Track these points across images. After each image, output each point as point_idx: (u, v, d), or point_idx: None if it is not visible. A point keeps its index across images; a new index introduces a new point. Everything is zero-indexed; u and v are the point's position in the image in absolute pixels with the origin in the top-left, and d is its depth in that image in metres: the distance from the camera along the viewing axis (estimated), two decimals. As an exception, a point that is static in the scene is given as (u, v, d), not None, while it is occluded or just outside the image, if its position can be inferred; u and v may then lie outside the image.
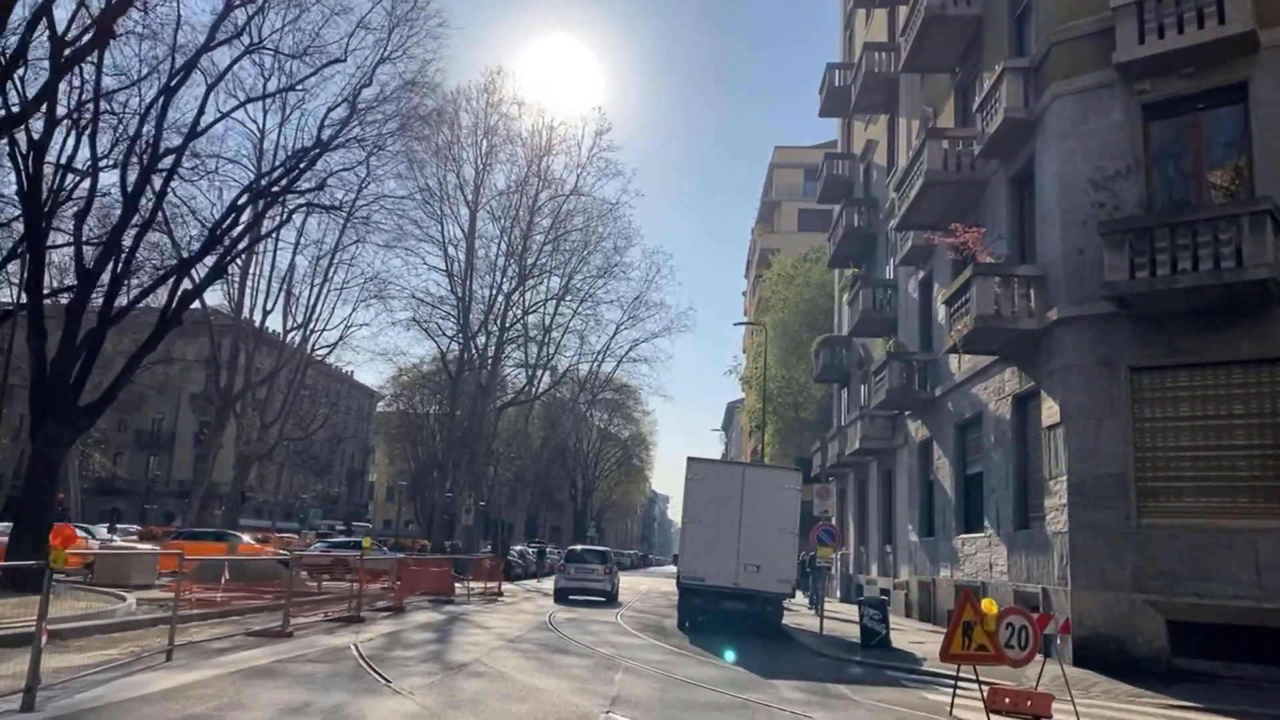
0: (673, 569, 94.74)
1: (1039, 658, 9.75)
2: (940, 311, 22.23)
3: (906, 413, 24.75)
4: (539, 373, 54.38)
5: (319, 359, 55.04)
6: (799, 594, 22.71)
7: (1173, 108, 14.71)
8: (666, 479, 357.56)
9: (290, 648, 12.15)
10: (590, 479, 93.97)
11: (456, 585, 25.91)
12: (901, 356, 22.61)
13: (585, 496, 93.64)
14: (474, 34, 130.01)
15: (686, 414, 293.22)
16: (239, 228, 21.46)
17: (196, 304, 36.76)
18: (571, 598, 26.45)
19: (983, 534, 18.51)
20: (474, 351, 45.76)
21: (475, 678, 10.45)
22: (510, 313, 49.20)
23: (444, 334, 46.82)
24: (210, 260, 21.93)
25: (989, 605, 9.52)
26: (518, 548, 47.48)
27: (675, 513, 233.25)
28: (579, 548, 30.87)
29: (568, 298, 52.43)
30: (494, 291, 47.01)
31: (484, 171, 47.07)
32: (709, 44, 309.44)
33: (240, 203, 21.84)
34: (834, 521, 19.27)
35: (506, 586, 31.21)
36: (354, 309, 66.62)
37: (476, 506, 46.21)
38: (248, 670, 10.03)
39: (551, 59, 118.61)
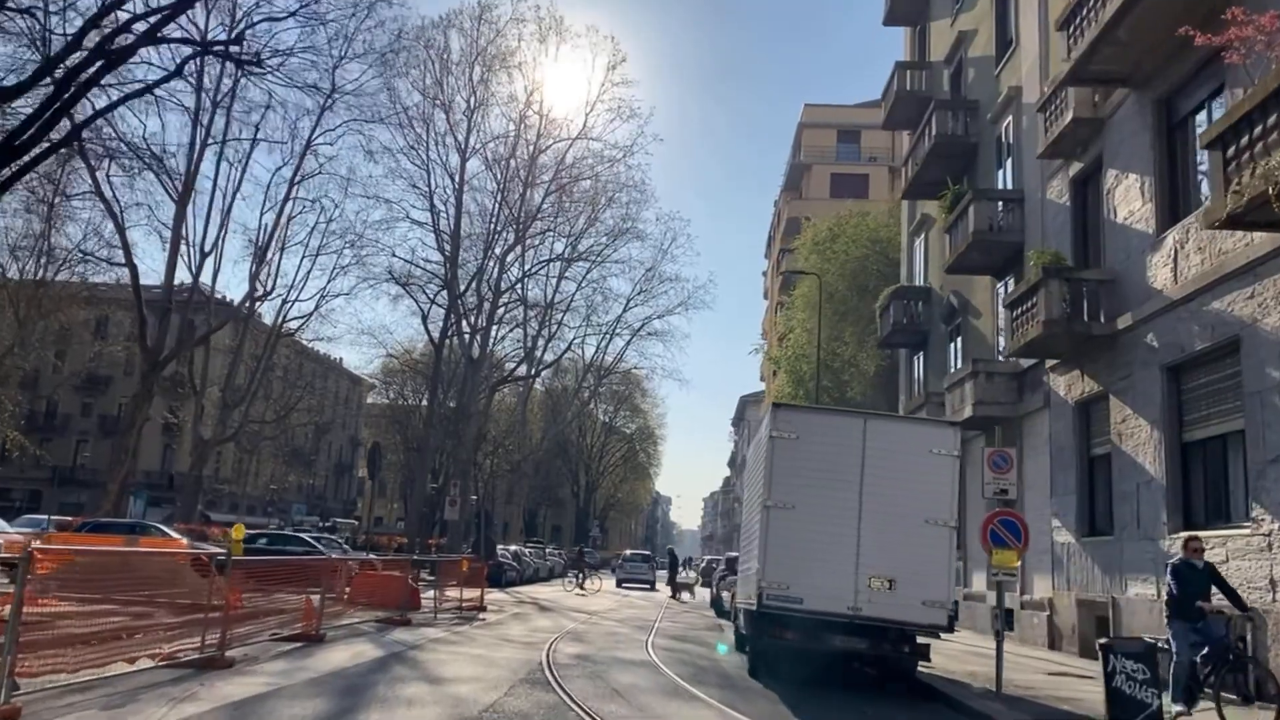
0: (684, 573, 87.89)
1: None
2: (1118, 210, 15.27)
3: (1049, 363, 17.75)
4: (540, 346, 47.45)
5: (290, 333, 48.34)
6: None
7: None
8: (670, 480, 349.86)
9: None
10: (594, 475, 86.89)
11: (427, 596, 19.07)
12: (1062, 273, 15.56)
13: (588, 493, 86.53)
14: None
15: (692, 414, 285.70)
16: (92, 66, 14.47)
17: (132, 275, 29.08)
18: (625, 585, 36.99)
19: (1241, 529, 11.51)
20: (461, 311, 38.66)
21: None
22: (505, 275, 42.28)
23: (427, 296, 39.84)
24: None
25: None
26: (513, 547, 40.38)
27: (677, 515, 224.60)
28: (629, 552, 45.64)
29: (574, 266, 45.53)
30: (486, 248, 39.99)
31: (477, 110, 40.10)
32: (720, 40, 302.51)
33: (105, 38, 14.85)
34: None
35: (494, 596, 24.23)
36: (330, 277, 59.75)
37: (464, 499, 39.20)
38: None
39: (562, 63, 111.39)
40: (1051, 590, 17.22)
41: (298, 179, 33.13)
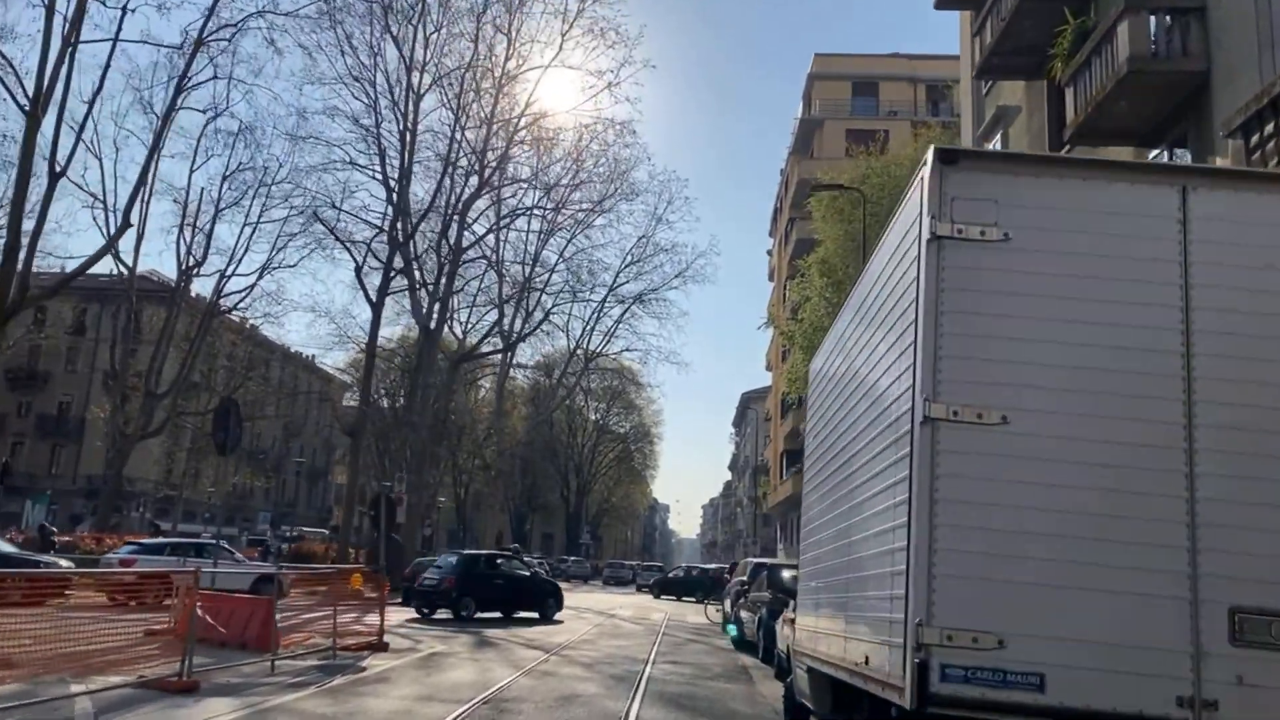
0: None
1: None
2: None
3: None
4: (517, 323, 40.47)
5: (227, 310, 41.39)
6: None
7: None
8: (668, 486, 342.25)
9: None
10: (586, 478, 79.68)
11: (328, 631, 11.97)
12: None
13: (579, 498, 79.24)
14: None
15: (690, 419, 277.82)
16: None
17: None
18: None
19: None
20: (412, 254, 31.56)
21: None
22: (469, 231, 35.30)
23: (366, 245, 32.76)
24: None
25: None
26: (467, 551, 32.90)
27: (675, 523, 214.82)
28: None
29: (555, 235, 38.73)
30: (436, 191, 32.95)
31: (433, 34, 33.08)
32: (717, 13, 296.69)
33: None
34: None
35: (409, 635, 17.18)
36: (274, 247, 52.62)
37: (421, 498, 32.05)
38: None
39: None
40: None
41: (187, 83, 26.11)
